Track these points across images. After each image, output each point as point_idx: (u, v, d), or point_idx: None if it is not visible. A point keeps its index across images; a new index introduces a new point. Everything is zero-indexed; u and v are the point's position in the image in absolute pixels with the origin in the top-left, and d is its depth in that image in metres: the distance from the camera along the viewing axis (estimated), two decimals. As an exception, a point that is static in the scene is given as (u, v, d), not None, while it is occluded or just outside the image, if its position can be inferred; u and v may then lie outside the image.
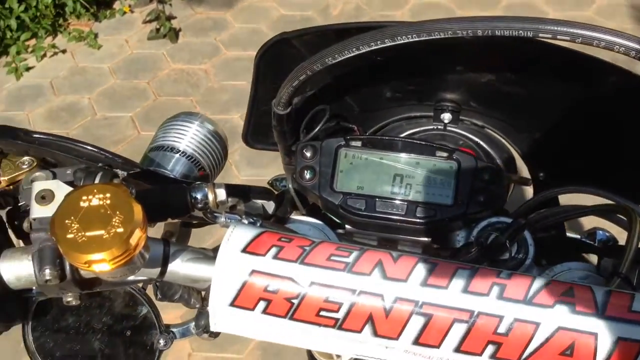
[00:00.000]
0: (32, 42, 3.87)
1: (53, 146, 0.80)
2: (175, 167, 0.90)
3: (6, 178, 0.76)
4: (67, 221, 0.56)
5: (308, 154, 0.86)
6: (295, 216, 0.88)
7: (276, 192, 1.06)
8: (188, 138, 0.93)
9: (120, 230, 0.55)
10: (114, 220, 0.55)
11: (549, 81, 0.91)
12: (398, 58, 0.90)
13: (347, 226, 0.88)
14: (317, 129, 0.90)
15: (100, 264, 0.55)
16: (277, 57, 0.89)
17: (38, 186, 0.68)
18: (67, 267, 0.65)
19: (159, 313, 0.80)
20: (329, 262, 0.65)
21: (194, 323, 0.83)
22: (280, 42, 0.87)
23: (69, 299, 0.69)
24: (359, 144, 0.87)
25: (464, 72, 0.94)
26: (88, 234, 0.55)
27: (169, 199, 0.73)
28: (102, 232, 0.55)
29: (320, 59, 0.74)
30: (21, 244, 0.74)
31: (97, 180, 0.65)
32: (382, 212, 0.83)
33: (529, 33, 0.61)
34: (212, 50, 3.95)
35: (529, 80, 0.92)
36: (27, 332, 0.79)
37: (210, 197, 0.74)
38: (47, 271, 0.64)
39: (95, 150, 0.81)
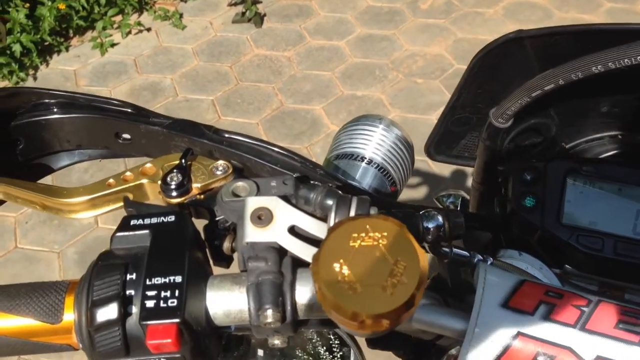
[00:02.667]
0: (119, 18, 3.81)
1: (243, 148, 0.69)
2: (364, 178, 0.78)
3: (199, 185, 0.64)
4: (335, 264, 0.43)
5: (529, 178, 0.73)
6: (506, 250, 0.75)
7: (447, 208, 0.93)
8: (374, 144, 0.80)
9: (405, 282, 0.42)
10: (395, 268, 0.43)
11: None
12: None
13: (566, 266, 0.74)
14: (537, 149, 0.76)
15: (375, 322, 0.42)
16: (500, 59, 0.76)
17: (253, 203, 0.56)
18: (289, 308, 0.54)
19: (364, 357, 0.68)
20: (618, 330, 0.52)
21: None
22: (512, 42, 0.73)
23: (277, 342, 0.57)
24: (591, 169, 0.73)
25: None
26: (364, 283, 0.43)
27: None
28: (382, 283, 0.42)
29: (565, 73, 0.61)
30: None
31: (352, 210, 0.52)
32: (625, 255, 0.69)
33: None
34: (296, 37, 3.83)
35: None
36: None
37: (446, 226, 0.61)
38: (269, 312, 0.52)
39: (290, 155, 0.69)
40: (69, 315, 0.54)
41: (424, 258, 0.44)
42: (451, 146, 0.89)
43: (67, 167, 0.78)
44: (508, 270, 0.65)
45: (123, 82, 3.47)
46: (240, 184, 0.62)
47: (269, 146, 0.69)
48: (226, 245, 0.61)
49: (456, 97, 0.81)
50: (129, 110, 0.73)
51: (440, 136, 0.88)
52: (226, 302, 0.55)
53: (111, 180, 0.66)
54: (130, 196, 0.66)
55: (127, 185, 0.66)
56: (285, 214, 0.56)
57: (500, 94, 0.79)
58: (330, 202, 0.56)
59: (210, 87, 3.50)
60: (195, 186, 0.65)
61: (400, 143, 0.82)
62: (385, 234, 0.44)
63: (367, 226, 0.44)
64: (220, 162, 0.66)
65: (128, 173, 0.67)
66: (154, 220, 0.56)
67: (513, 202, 0.73)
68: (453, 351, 0.63)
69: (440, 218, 0.61)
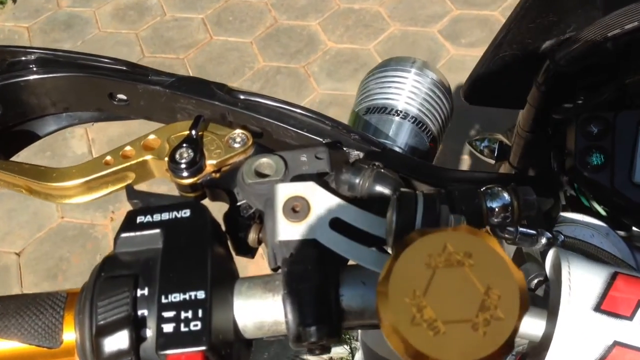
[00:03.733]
0: None
1: (262, 111, 0.58)
2: (399, 135, 0.67)
3: (214, 162, 0.54)
4: (407, 297, 0.33)
5: (595, 130, 0.62)
6: (566, 214, 0.65)
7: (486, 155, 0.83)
8: (407, 93, 0.69)
9: (501, 318, 0.33)
10: (487, 299, 0.33)
11: None
12: None
13: (635, 229, 0.65)
14: (603, 96, 0.65)
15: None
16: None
17: (284, 192, 0.46)
18: (335, 319, 0.44)
19: None
20: None
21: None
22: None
23: (316, 353, 0.48)
24: (668, 118, 0.62)
25: None
26: (448, 321, 0.33)
27: (457, 208, 0.50)
28: (471, 320, 0.33)
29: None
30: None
31: (419, 213, 0.41)
32: None
33: None
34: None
35: None
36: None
37: (515, 205, 0.50)
38: (313, 329, 0.43)
39: (318, 118, 0.58)
40: (69, 335, 0.44)
41: (522, 283, 0.34)
42: (492, 88, 0.78)
43: (54, 132, 0.67)
44: (581, 248, 0.55)
45: (107, 1, 3.27)
46: (264, 160, 0.51)
47: (292, 108, 0.58)
48: (252, 237, 0.51)
49: (504, 32, 0.69)
50: (123, 68, 0.61)
51: (482, 77, 0.77)
52: (258, 312, 0.45)
53: (108, 158, 0.55)
54: (132, 176, 0.56)
55: (128, 164, 0.55)
56: (325, 204, 0.46)
57: (555, 28, 0.68)
58: (380, 189, 0.45)
59: (200, 5, 3.32)
60: (210, 163, 0.54)
61: (436, 89, 0.71)
62: (471, 251, 0.34)
63: (447, 243, 0.34)
64: (238, 131, 0.55)
65: (128, 148, 0.56)
66: (166, 215, 0.46)
67: (577, 159, 0.63)
68: (519, 348, 0.55)
69: (506, 196, 0.51)
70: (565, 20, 0.66)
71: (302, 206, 0.45)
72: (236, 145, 0.54)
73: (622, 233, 0.66)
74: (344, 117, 2.36)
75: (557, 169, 0.68)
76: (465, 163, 2.47)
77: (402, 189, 0.41)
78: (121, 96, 0.63)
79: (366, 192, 0.47)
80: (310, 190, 0.46)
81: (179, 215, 0.46)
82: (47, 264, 2.39)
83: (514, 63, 0.72)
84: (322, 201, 0.46)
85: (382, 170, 0.47)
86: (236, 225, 0.51)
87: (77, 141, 2.89)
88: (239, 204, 0.52)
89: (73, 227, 2.40)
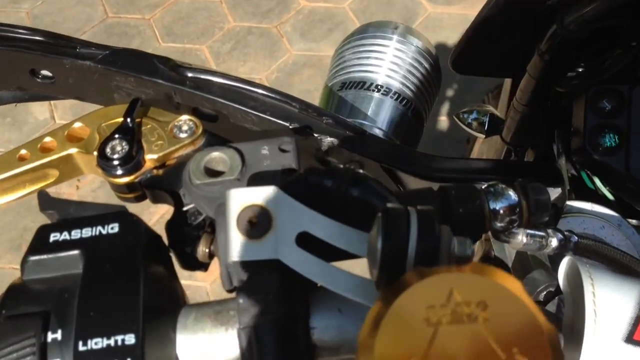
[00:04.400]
0: None
1: (216, 90, 0.48)
2: (379, 113, 0.57)
3: (155, 156, 0.43)
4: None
5: (608, 107, 0.53)
6: (573, 202, 0.56)
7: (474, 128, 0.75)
8: (387, 64, 0.59)
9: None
10: (508, 363, 0.24)
11: None
12: None
13: (649, 218, 0.57)
14: (615, 67, 0.55)
15: None
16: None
17: (239, 198, 0.36)
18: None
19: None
20: None
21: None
22: None
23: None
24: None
25: None
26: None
27: (454, 211, 0.40)
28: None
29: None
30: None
31: (412, 239, 0.30)
32: None
33: None
34: None
35: None
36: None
37: (524, 206, 0.41)
38: None
39: (283, 99, 0.48)
40: None
41: (556, 342, 0.25)
42: (485, 56, 0.68)
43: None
44: (601, 252, 0.47)
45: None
46: (216, 155, 0.41)
47: (252, 88, 0.48)
48: (201, 250, 0.41)
49: (500, -7, 0.59)
50: (46, 40, 0.50)
51: (473, 43, 0.67)
52: (207, 351, 0.36)
53: (24, 152, 0.45)
54: (55, 173, 0.45)
55: (48, 159, 0.45)
56: (291, 215, 0.36)
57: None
58: (361, 196, 0.36)
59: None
60: (150, 158, 0.44)
61: (422, 58, 0.61)
62: (486, 300, 0.25)
63: (453, 289, 0.25)
64: (184, 117, 0.45)
65: (48, 139, 0.45)
66: (88, 232, 0.36)
67: (587, 140, 0.54)
68: None
69: (513, 195, 0.41)
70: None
71: (262, 218, 0.36)
72: (182, 135, 0.44)
73: (634, 222, 0.57)
74: (319, 80, 2.26)
75: (560, 149, 0.59)
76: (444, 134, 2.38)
77: (390, 204, 0.31)
78: (45, 72, 0.52)
79: (342, 199, 0.37)
80: (272, 198, 0.36)
81: (104, 231, 0.36)
82: (10, 234, 2.29)
83: (511, 27, 0.62)
84: (286, 211, 0.36)
85: (362, 172, 0.38)
86: (182, 236, 0.41)
87: (39, 106, 2.75)
88: (185, 208, 0.42)
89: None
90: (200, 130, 0.45)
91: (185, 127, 0.45)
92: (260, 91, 0.48)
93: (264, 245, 0.36)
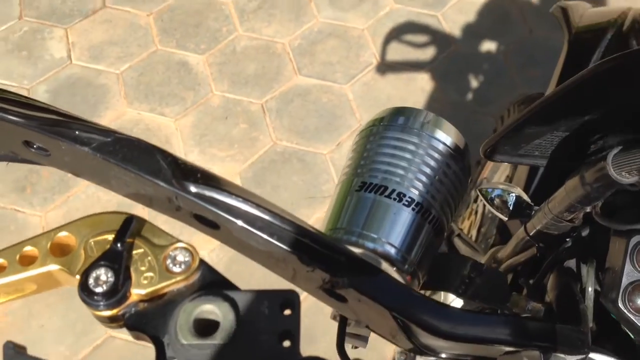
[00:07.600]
0: None
1: (222, 205, 0.43)
2: (395, 225, 0.52)
3: (142, 292, 0.39)
4: None
5: None
6: (594, 356, 0.51)
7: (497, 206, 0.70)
8: (414, 171, 0.54)
9: None
10: None
11: None
12: None
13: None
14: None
15: None
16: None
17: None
18: None
19: None
20: None
21: None
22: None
23: None
24: None
25: None
26: None
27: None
28: None
29: None
30: None
31: None
32: None
33: None
34: None
35: None
36: None
37: None
38: None
39: (294, 229, 0.44)
40: None
41: None
42: (519, 145, 0.63)
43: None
44: None
45: None
46: (207, 308, 0.37)
47: (262, 206, 0.43)
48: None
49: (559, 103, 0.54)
50: (43, 116, 0.45)
51: (511, 134, 0.62)
52: None
53: (1, 261, 0.40)
54: (33, 287, 0.41)
55: (27, 274, 0.40)
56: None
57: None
58: None
59: None
60: (137, 292, 0.39)
61: (452, 161, 0.56)
62: None
63: None
64: (180, 246, 0.40)
65: (29, 248, 0.41)
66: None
67: (622, 297, 0.49)
68: None
69: None
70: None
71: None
72: (176, 270, 0.40)
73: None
74: (343, 52, 2.17)
75: (589, 289, 0.54)
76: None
77: None
78: (40, 145, 0.47)
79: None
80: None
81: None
82: (15, 174, 2.27)
83: (553, 123, 0.57)
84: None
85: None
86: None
87: (57, 42, 2.68)
88: (166, 361, 0.38)
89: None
90: (196, 264, 0.40)
91: (180, 258, 0.40)
92: (269, 216, 0.43)
93: None
